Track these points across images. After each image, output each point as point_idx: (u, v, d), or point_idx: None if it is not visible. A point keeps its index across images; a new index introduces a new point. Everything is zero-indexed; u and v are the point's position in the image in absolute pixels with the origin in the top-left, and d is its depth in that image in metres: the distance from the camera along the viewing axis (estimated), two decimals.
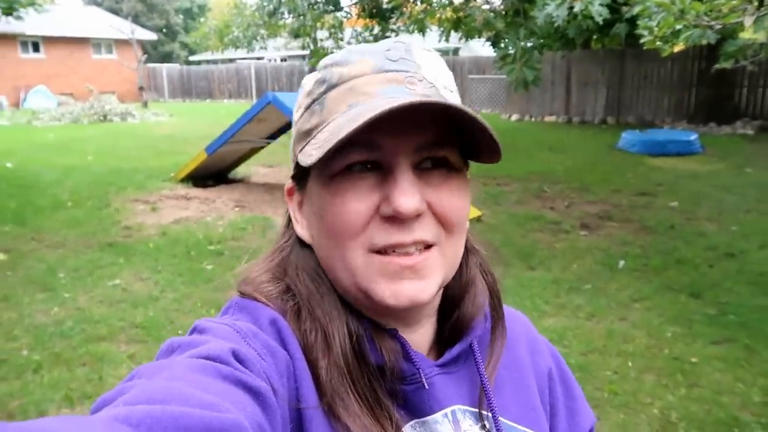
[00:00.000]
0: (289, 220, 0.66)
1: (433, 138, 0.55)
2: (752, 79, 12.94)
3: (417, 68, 0.56)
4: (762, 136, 11.65)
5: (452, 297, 0.64)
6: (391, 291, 0.54)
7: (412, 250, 0.55)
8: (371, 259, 0.55)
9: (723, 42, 7.67)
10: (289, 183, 0.65)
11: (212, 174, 7.98)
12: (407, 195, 0.52)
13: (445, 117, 0.54)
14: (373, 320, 0.59)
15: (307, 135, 0.58)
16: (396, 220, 0.54)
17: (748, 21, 2.30)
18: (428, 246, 0.55)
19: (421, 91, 0.55)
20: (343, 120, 0.52)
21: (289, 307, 0.58)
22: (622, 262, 4.92)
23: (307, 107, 0.58)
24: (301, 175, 0.61)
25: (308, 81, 0.60)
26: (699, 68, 13.43)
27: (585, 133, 13.07)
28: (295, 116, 0.61)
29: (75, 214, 6.37)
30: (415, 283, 0.55)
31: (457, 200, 0.57)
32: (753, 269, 4.71)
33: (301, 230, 0.63)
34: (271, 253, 0.65)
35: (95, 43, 26.57)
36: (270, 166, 9.30)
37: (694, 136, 10.31)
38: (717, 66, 6.58)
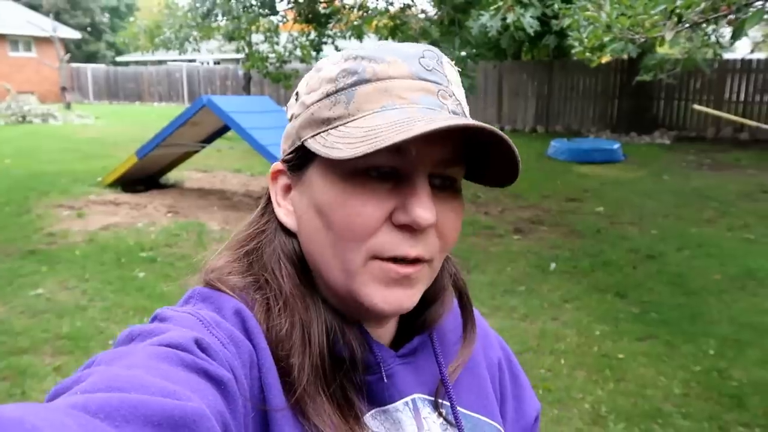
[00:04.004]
0: (267, 203, 0.64)
1: (452, 155, 0.56)
2: (669, 92, 13.79)
3: (448, 83, 0.57)
4: (678, 146, 12.42)
5: (424, 300, 0.64)
6: (382, 297, 0.55)
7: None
8: (371, 263, 0.55)
9: (643, 56, 8.15)
10: (277, 164, 0.62)
11: (143, 179, 7.69)
12: (426, 207, 0.52)
13: (465, 137, 0.55)
14: (341, 314, 0.59)
15: (324, 123, 0.55)
16: (408, 229, 0.54)
17: (668, 35, 2.47)
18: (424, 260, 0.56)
19: (451, 107, 0.55)
20: (383, 122, 0.51)
21: (256, 299, 0.57)
22: (553, 265, 5.12)
23: (329, 94, 0.56)
24: (299, 160, 0.59)
25: (330, 66, 0.57)
26: (621, 81, 14.18)
27: (516, 141, 13.28)
28: (307, 98, 0.58)
29: None
30: (406, 292, 0.56)
31: (458, 221, 0.58)
32: (671, 270, 5.02)
33: (285, 217, 0.61)
34: (245, 238, 0.63)
35: (12, 40, 25.05)
36: (204, 170, 9.07)
37: (617, 145, 10.87)
38: (638, 78, 6.99)
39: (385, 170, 0.54)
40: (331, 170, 0.55)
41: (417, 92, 0.54)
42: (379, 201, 0.54)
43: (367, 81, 0.54)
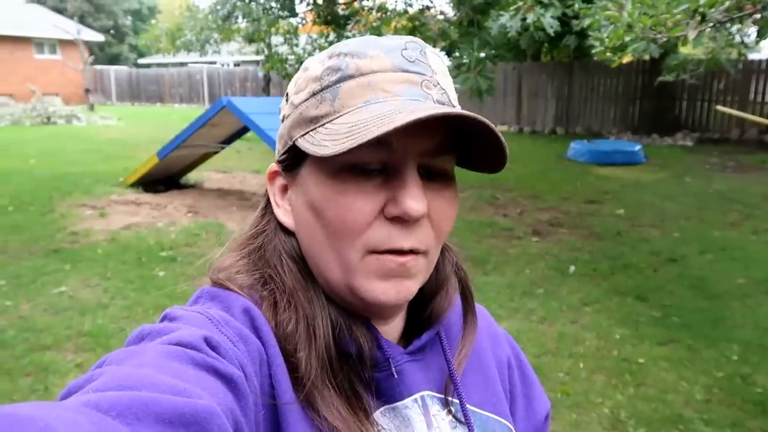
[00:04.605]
0: (267, 204, 0.65)
1: (439, 144, 0.56)
2: (692, 93, 13.57)
3: (432, 72, 0.57)
4: (700, 148, 12.22)
5: (426, 293, 0.65)
6: (382, 289, 0.55)
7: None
8: (368, 258, 0.55)
9: (666, 56, 8.05)
10: (273, 166, 0.63)
11: (163, 179, 7.78)
12: (416, 198, 0.53)
13: (451, 125, 0.56)
14: (348, 310, 0.59)
15: (312, 122, 0.56)
16: (400, 221, 0.54)
17: (691, 34, 2.43)
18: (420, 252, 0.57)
19: (436, 97, 0.56)
20: (367, 116, 0.52)
21: (264, 296, 0.58)
22: (572, 267, 5.06)
23: (315, 93, 0.57)
24: (292, 160, 0.60)
25: (316, 65, 0.58)
26: (643, 81, 14.00)
27: (536, 142, 13.41)
28: (295, 98, 0.59)
29: (16, 219, 6.10)
30: (404, 282, 0.56)
31: (452, 210, 0.59)
32: (693, 273, 4.94)
33: (284, 216, 0.62)
34: (247, 239, 0.64)
35: (37, 43, 25.53)
36: (224, 171, 9.15)
37: (638, 147, 10.72)
38: (660, 79, 6.89)
39: (374, 165, 0.54)
40: (321, 168, 0.56)
41: (400, 84, 0.54)
42: (370, 195, 0.54)
43: (350, 77, 0.55)
